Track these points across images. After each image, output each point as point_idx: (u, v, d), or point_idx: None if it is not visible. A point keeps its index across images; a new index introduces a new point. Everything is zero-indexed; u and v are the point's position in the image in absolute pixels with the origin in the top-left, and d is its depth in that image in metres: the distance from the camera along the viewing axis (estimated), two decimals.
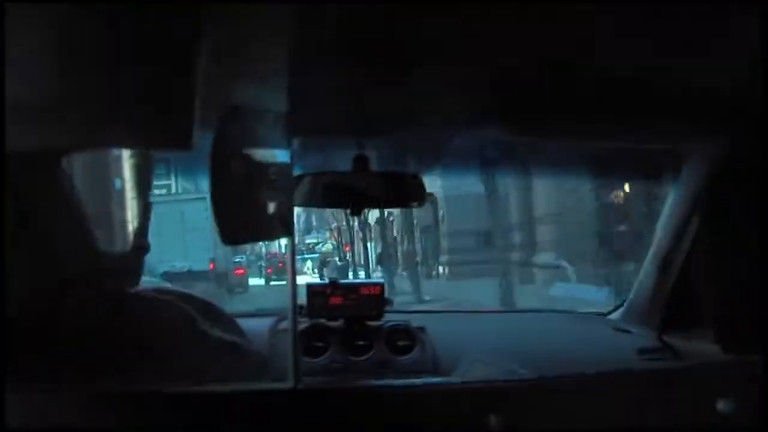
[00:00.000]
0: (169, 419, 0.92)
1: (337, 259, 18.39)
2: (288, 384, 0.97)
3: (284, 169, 0.96)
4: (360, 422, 0.94)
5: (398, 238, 17.10)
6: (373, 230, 17.01)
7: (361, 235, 17.91)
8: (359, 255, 18.31)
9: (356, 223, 16.33)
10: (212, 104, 0.86)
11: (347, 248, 18.94)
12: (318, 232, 23.04)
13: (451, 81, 1.08)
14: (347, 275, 15.81)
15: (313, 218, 21.49)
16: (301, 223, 23.10)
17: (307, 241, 23.71)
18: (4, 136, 0.79)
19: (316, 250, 21.40)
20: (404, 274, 15.26)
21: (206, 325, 1.37)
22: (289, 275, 1.01)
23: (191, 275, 10.32)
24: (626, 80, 1.07)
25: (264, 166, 0.94)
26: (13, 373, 0.93)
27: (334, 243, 20.25)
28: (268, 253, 18.66)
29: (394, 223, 16.55)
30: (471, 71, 1.03)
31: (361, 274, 16.73)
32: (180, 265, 10.36)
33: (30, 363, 1.05)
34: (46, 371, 1.06)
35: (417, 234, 15.93)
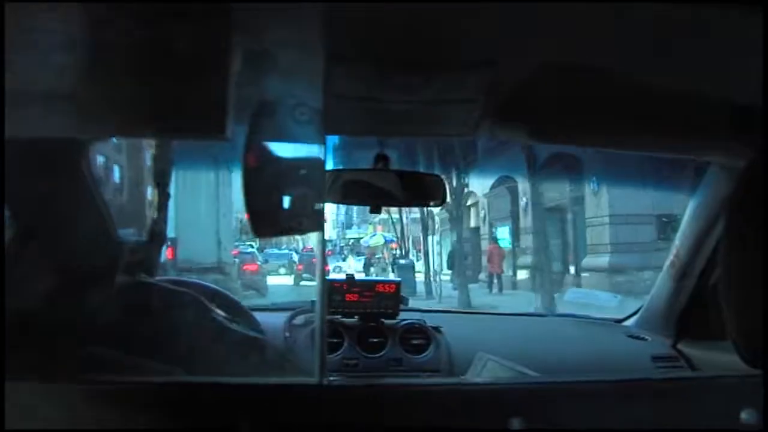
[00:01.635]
0: (190, 410, 0.93)
1: (390, 256, 15.12)
2: (313, 379, 0.97)
3: (317, 163, 0.97)
4: (385, 419, 0.94)
5: (491, 226, 12.50)
6: (446, 215, 12.62)
7: (425, 223, 13.56)
8: (428, 251, 13.75)
9: (419, 212, 12.30)
10: (246, 98, 0.88)
11: (394, 246, 15.63)
12: (359, 227, 20.56)
13: (468, 86, 1.08)
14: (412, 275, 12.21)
15: (354, 211, 18.92)
16: (340, 216, 21.08)
17: (348, 236, 21.13)
18: (4, 134, 0.80)
19: (361, 244, 17.79)
20: (494, 282, 11.51)
21: (224, 318, 1.38)
22: (317, 271, 1.01)
23: None
24: (648, 88, 1.07)
25: (297, 161, 0.96)
26: (29, 368, 0.93)
27: (388, 236, 16.47)
28: (304, 247, 15.68)
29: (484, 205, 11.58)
30: (489, 77, 1.03)
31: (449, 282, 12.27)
32: None
33: (49, 357, 1.08)
34: (64, 364, 1.08)
35: (529, 220, 10.55)
